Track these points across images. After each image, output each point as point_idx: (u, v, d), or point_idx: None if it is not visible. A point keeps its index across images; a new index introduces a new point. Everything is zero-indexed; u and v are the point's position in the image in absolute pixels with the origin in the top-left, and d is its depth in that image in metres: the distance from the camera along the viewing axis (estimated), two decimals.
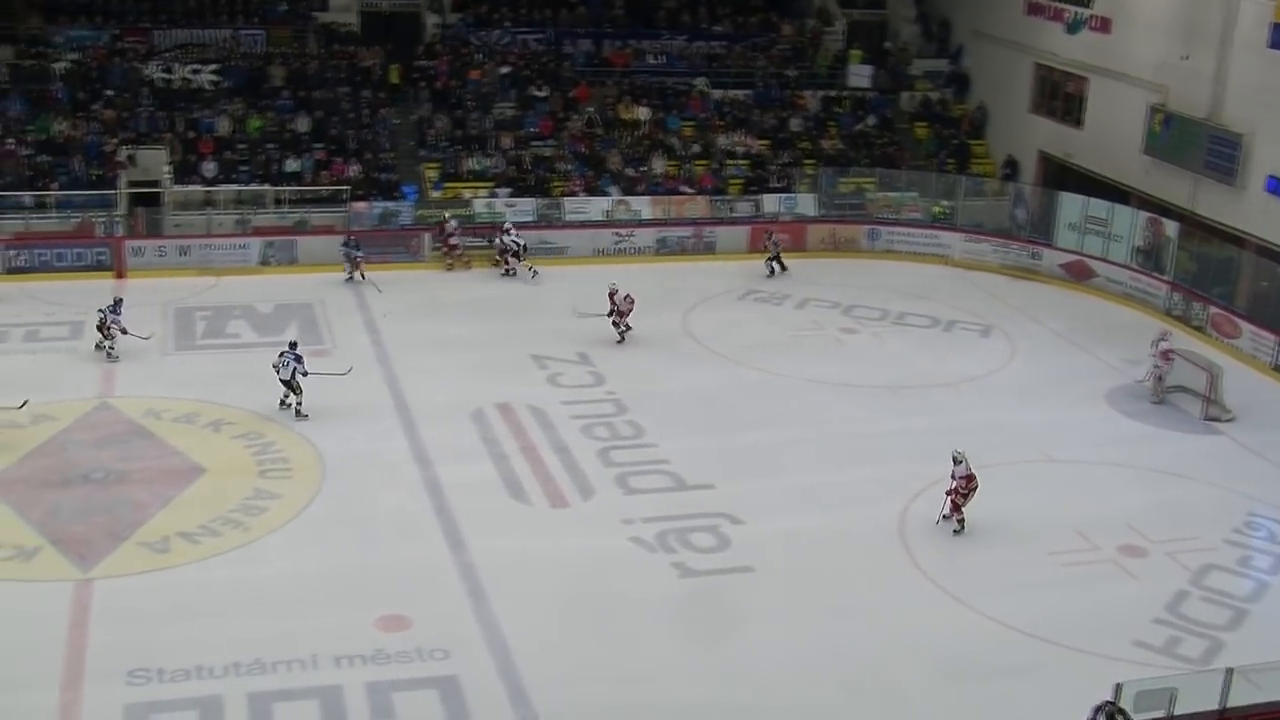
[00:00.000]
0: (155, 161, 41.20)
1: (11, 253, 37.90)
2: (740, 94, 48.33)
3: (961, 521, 25.05)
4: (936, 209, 43.81)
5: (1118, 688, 17.03)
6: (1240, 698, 17.67)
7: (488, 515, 25.15)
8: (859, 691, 20.14)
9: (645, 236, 42.10)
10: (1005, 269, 41.78)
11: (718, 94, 48.10)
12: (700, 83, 48.17)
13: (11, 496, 25.17)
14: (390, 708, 19.45)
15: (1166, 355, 31.74)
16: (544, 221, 41.84)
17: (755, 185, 44.72)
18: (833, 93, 49.10)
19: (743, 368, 33.04)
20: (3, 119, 42.08)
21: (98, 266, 38.21)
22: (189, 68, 44.76)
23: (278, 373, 28.87)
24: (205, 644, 20.53)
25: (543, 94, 46.52)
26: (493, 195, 42.46)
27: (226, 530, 24.25)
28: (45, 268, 37.93)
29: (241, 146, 42.92)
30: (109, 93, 43.46)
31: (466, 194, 42.47)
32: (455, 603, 21.97)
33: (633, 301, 33.89)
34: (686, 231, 42.46)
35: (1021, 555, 24.46)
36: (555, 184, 43.49)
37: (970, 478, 24.93)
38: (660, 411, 30.12)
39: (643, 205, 42.97)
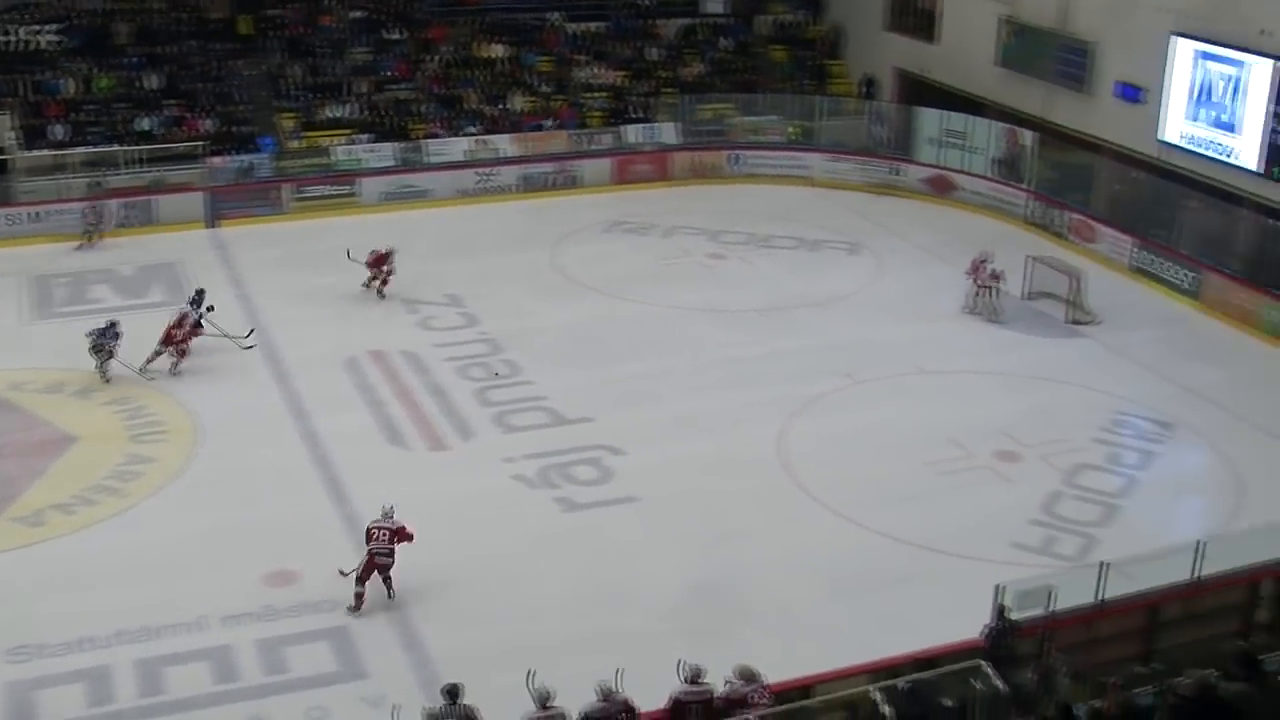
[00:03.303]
0: (0, 127, 40.14)
1: None
2: (596, 26, 48.08)
3: (360, 598, 20.46)
4: (791, 130, 44.01)
5: (999, 589, 17.32)
6: (1116, 589, 18.12)
7: (368, 463, 24.98)
8: (749, 613, 20.33)
9: (508, 175, 41.87)
10: (868, 187, 42.11)
11: (573, 27, 47.81)
12: (555, 17, 47.84)
13: None
14: (283, 663, 19.34)
15: (996, 275, 32.01)
16: (405, 165, 41.44)
17: (616, 117, 44.63)
18: (689, 20, 49.03)
19: (614, 299, 33.06)
20: None
21: None
22: (27, 28, 43.53)
23: None
24: (88, 615, 20.18)
25: (397, 36, 45.99)
26: (352, 142, 41.97)
27: (102, 498, 23.85)
28: None
29: (91, 107, 41.80)
30: None
31: (325, 142, 41.93)
32: (341, 554, 21.67)
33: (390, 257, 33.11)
34: (549, 167, 42.29)
35: (900, 468, 24.84)
36: (414, 127, 43.09)
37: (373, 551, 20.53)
38: (534, 348, 30.09)
39: (504, 143, 42.69)
